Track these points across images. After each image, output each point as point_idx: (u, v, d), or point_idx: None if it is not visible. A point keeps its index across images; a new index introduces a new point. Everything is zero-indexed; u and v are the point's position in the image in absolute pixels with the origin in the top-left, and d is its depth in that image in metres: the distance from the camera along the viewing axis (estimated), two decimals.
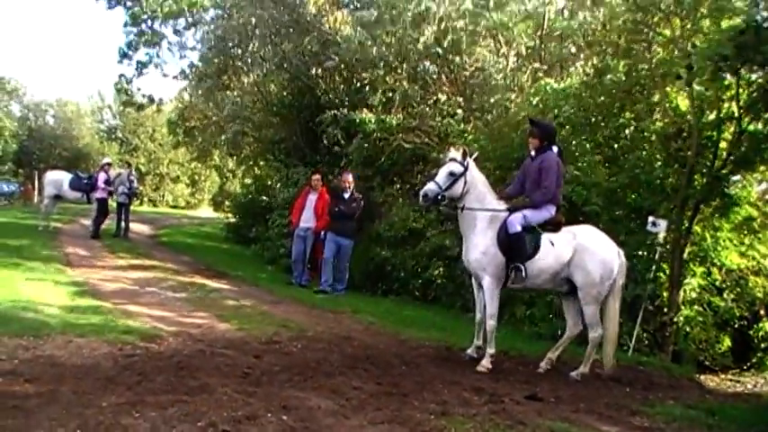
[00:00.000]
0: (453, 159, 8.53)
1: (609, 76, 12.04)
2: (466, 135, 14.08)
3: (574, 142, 12.31)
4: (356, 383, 6.83)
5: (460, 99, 15.72)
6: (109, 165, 21.37)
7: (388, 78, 16.19)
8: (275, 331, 9.12)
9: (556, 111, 12.52)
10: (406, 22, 15.08)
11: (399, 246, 14.49)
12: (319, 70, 18.52)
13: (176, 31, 24.52)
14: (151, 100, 27.36)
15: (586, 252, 8.50)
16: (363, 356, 8.23)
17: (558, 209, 8.84)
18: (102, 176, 20.26)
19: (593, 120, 12.53)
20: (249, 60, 20.87)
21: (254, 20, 18.35)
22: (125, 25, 24.60)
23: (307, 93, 19.22)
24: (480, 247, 8.45)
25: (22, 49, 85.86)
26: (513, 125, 13.30)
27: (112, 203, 21.58)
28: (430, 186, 8.45)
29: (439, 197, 8.42)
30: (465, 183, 8.44)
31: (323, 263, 14.10)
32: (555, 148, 8.77)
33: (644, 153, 12.00)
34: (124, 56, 25.18)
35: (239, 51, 21.03)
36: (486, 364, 8.29)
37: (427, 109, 15.38)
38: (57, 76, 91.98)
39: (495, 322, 8.52)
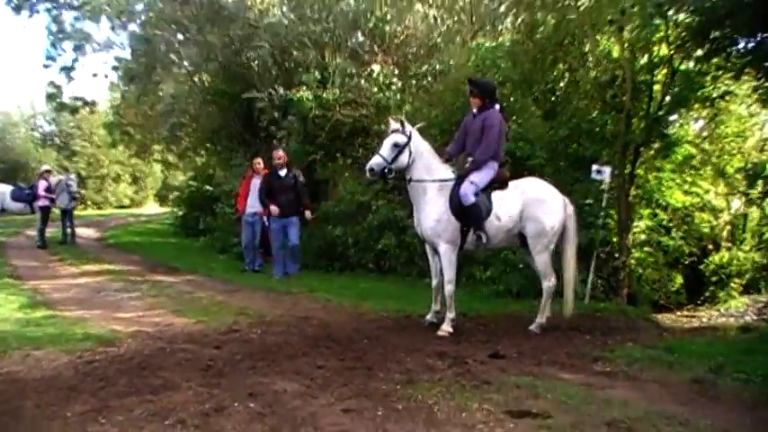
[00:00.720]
0: (396, 131, 8.50)
1: (540, 29, 12.07)
2: (404, 104, 14.05)
3: (513, 99, 12.35)
4: (319, 362, 6.82)
5: (395, 68, 15.69)
6: (48, 172, 21.06)
7: (320, 56, 16.12)
8: (234, 320, 9.06)
9: (494, 69, 12.55)
10: None
11: (349, 221, 14.42)
12: (250, 55, 18.33)
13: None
14: (85, 103, 26.92)
15: (535, 204, 8.62)
16: (324, 335, 8.21)
17: (502, 165, 8.90)
18: (42, 184, 19.95)
19: (530, 75, 12.56)
20: (178, 53, 20.60)
21: (179, 13, 18.11)
22: (49, 32, 24.11)
23: (239, 79, 19.06)
24: (433, 215, 8.47)
25: None
26: (453, 88, 13.32)
27: (56, 210, 21.28)
28: (376, 160, 8.38)
29: (386, 170, 8.39)
30: (410, 153, 8.42)
31: (273, 253, 13.88)
32: (497, 106, 8.80)
33: (581, 103, 12.09)
34: (50, 58, 24.68)
35: (164, 47, 20.76)
36: (446, 328, 8.37)
37: (362, 81, 15.32)
38: None
39: (453, 287, 8.56)
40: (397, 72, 15.46)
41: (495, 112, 8.66)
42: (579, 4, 11.81)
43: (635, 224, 11.88)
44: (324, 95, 15.11)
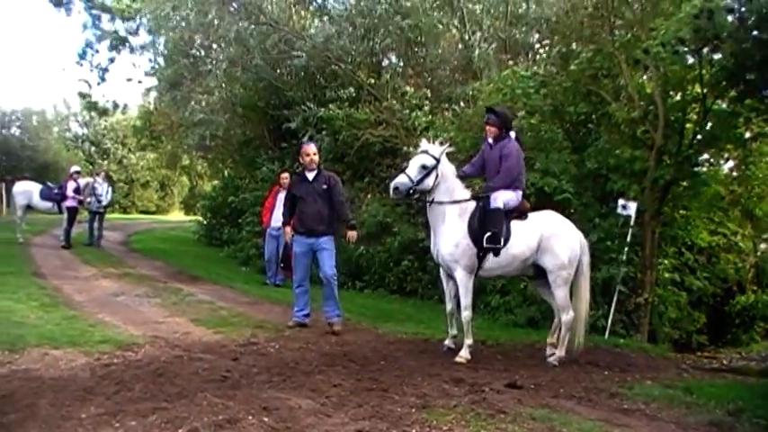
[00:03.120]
0: (425, 152, 8.46)
1: (576, 62, 12.05)
2: (434, 126, 14.05)
3: (542, 129, 12.33)
4: (335, 381, 6.82)
5: (427, 91, 15.72)
6: (78, 173, 21.24)
7: (354, 73, 16.18)
8: (252, 333, 9.09)
9: (525, 98, 12.54)
10: (376, 14, 15.06)
11: (372, 241, 14.42)
12: (284, 69, 18.42)
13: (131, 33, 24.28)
14: (115, 105, 27.14)
15: (553, 237, 8.59)
16: (341, 353, 8.23)
17: (525, 196, 8.91)
18: (71, 185, 20.13)
19: (561, 107, 12.54)
20: (213, 62, 20.73)
21: (216, 21, 18.21)
22: (85, 27, 24.35)
23: (273, 92, 19.15)
24: (452, 239, 8.41)
25: None
26: (482, 114, 13.30)
27: (84, 212, 21.46)
28: (401, 179, 8.34)
29: (410, 191, 8.36)
30: (437, 176, 8.39)
31: (295, 287, 10.27)
32: (513, 134, 8.83)
33: (611, 137, 12.04)
34: (83, 57, 24.89)
35: (202, 53, 20.92)
36: (464, 354, 8.31)
37: (394, 102, 15.36)
38: (22, 87, 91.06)
39: (470, 313, 8.52)
40: (429, 94, 15.51)
41: (512, 142, 8.71)
42: (616, 38, 11.80)
43: (659, 262, 11.80)
44: (355, 114, 15.14)
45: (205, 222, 26.66)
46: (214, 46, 20.12)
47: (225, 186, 25.61)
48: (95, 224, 21.35)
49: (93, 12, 23.77)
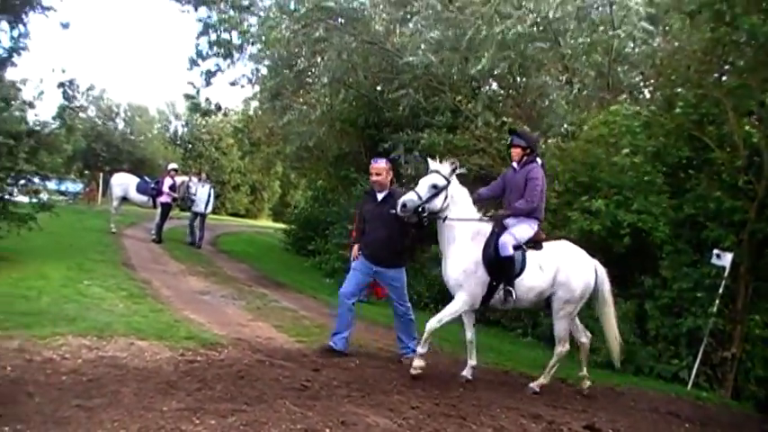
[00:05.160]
0: (436, 171, 8.23)
1: (680, 104, 11.84)
2: None
3: (643, 170, 12.12)
4: (414, 402, 6.84)
5: (526, 121, 15.61)
6: (175, 171, 21.76)
7: (453, 100, 16.19)
8: None
9: (629, 137, 12.38)
10: (477, 43, 15.05)
11: None
12: (385, 88, 18.51)
13: (245, 43, 24.66)
14: (218, 108, 27.60)
15: (569, 270, 8.47)
16: (421, 376, 8.19)
17: (541, 225, 8.71)
18: (167, 182, 20.65)
19: (663, 149, 12.34)
20: (316, 74, 20.93)
21: (320, 32, 18.34)
22: (198, 36, 24.86)
23: (372, 110, 19.29)
24: (461, 264, 8.21)
25: (102, 53, 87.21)
26: (583, 149, 13.19)
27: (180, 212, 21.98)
28: (410, 196, 8.06)
29: (419, 209, 8.04)
30: (446, 197, 8.15)
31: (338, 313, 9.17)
32: (539, 160, 8.65)
33: (712, 184, 11.80)
34: (194, 63, 25.43)
35: (306, 64, 21.14)
36: (417, 363, 8.19)
37: (491, 130, 15.31)
38: (130, 81, 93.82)
39: (438, 325, 8.24)
40: (527, 126, 15.40)
41: (539, 167, 8.51)
42: (724, 84, 11.59)
43: (751, 317, 11.47)
44: (454, 140, 15.13)
45: (292, 231, 26.88)
46: (318, 59, 20.30)
47: (316, 197, 25.84)
48: (196, 224, 21.76)
49: (209, 20, 24.26)
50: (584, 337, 8.94)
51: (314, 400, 6.47)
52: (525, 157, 8.54)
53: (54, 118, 15.19)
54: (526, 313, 12.67)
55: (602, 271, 8.84)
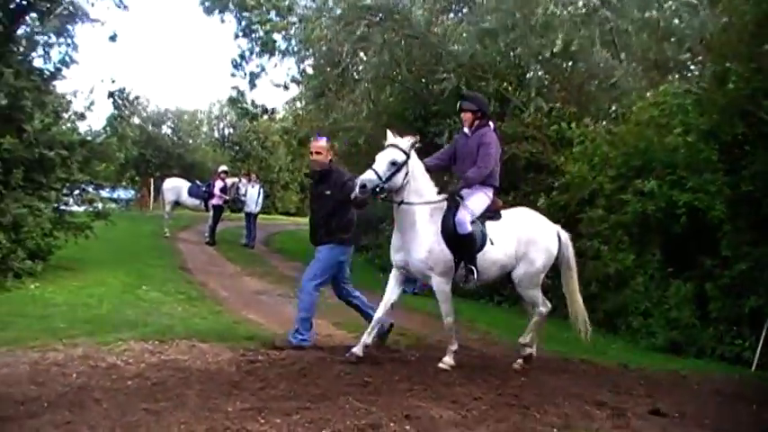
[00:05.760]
0: (394, 146, 7.65)
1: (733, 80, 11.61)
2: (586, 141, 13.75)
3: (697, 148, 11.93)
4: (476, 394, 6.79)
5: (574, 105, 15.48)
6: (225, 173, 21.97)
7: (499, 87, 16.08)
8: (393, 340, 9.14)
9: (680, 116, 12.20)
10: (528, 28, 14.93)
11: None
12: (430, 81, 18.44)
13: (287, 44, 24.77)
14: (264, 110, 27.75)
15: (530, 242, 8.18)
16: (481, 366, 8.19)
17: (497, 192, 8.34)
18: (218, 184, 20.85)
19: (717, 126, 12.12)
20: (360, 70, 20.94)
21: (361, 30, 18.31)
22: (236, 37, 25.05)
23: (418, 102, 19.22)
24: (425, 245, 7.76)
25: (145, 60, 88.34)
26: (634, 132, 13.02)
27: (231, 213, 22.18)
28: (368, 176, 7.41)
29: (377, 188, 7.44)
30: (406, 173, 7.62)
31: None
32: (492, 124, 8.22)
33: None
34: (236, 67, 25.63)
35: (349, 60, 21.16)
36: (448, 360, 7.97)
37: (539, 116, 15.18)
38: (176, 87, 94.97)
39: (453, 318, 8.12)
40: (576, 109, 15.25)
41: (492, 131, 8.09)
42: None
43: None
44: (502, 128, 15.02)
45: None
46: (361, 54, 20.31)
47: None
48: (251, 225, 21.96)
49: (244, 22, 24.43)
50: (544, 307, 8.58)
51: (376, 394, 6.47)
52: (477, 122, 8.10)
53: (105, 127, 15.43)
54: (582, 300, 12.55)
55: (566, 236, 8.63)
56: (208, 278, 13.79)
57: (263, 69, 25.19)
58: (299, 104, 29.20)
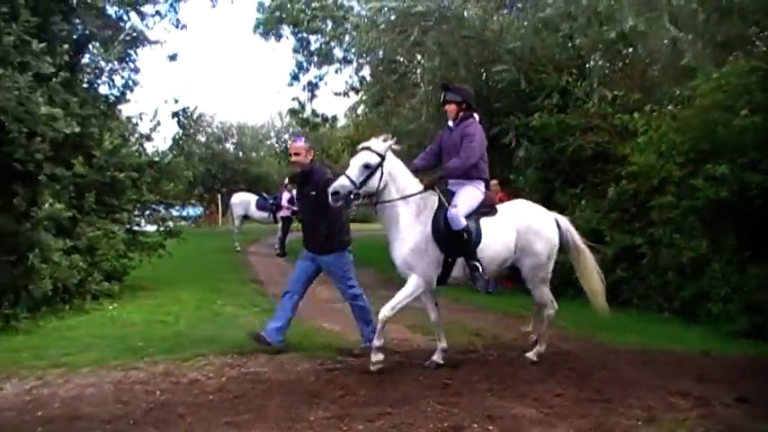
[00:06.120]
0: (367, 148, 7.51)
1: None
2: (651, 129, 13.52)
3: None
4: (557, 390, 6.82)
5: (638, 92, 15.23)
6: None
7: (560, 78, 15.90)
8: (470, 340, 9.17)
9: (746, 96, 11.93)
10: (593, 13, 14.76)
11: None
12: (490, 79, 18.33)
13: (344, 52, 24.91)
14: (324, 119, 27.92)
15: (531, 233, 8.00)
16: (561, 362, 8.15)
17: (488, 186, 8.20)
18: (285, 195, 21.03)
19: None
20: (418, 73, 20.92)
21: (415, 35, 18.27)
22: (295, 51, 25.29)
23: (479, 100, 19.11)
24: (408, 243, 7.58)
25: (205, 77, 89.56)
26: (700, 116, 12.77)
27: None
28: (341, 182, 7.27)
29: (352, 195, 7.30)
30: (382, 175, 7.42)
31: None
32: (476, 116, 8.03)
33: None
34: (295, 78, 25.87)
35: (406, 63, 21.16)
36: (436, 358, 7.93)
37: (606, 106, 14.97)
38: (237, 101, 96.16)
39: (390, 314, 7.77)
40: (639, 96, 15.01)
41: (476, 122, 7.91)
42: None
43: None
44: (566, 119, 14.88)
45: None
46: (418, 57, 20.30)
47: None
48: None
49: (300, 36, 24.70)
50: (552, 309, 8.43)
51: (457, 396, 6.50)
52: (461, 114, 7.94)
53: (171, 147, 15.71)
54: (657, 290, 12.36)
55: (565, 221, 8.51)
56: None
57: (321, 79, 25.43)
58: (359, 111, 29.34)
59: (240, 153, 57.60)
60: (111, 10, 14.57)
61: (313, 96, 26.27)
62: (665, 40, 14.96)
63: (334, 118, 29.52)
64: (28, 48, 10.67)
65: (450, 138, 7.95)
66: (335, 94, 26.29)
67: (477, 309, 12.38)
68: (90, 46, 14.18)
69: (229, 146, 58.60)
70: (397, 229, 7.62)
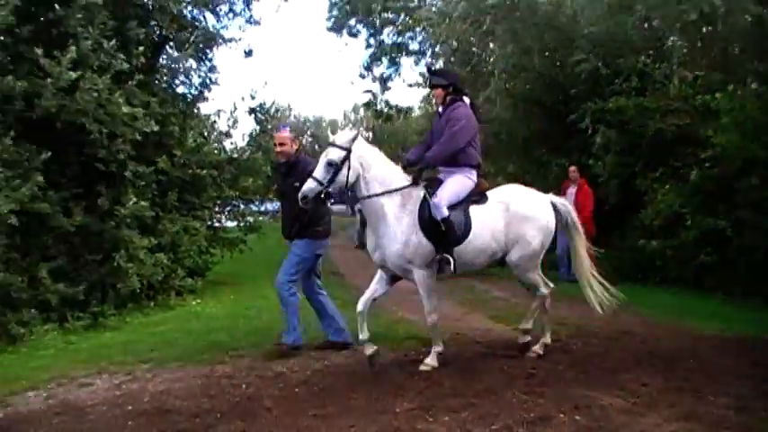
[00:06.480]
0: (331, 144, 7.34)
1: None
2: (733, 109, 13.17)
3: None
4: (644, 380, 6.72)
5: (719, 71, 14.86)
6: None
7: (637, 61, 15.61)
8: (553, 329, 9.03)
9: None
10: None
11: (667, 233, 13.70)
12: (566, 66, 18.11)
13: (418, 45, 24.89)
14: (398, 110, 27.93)
15: (522, 221, 7.63)
16: (645, 351, 8.05)
17: (480, 174, 7.80)
18: None
19: None
20: (491, 62, 20.77)
21: (487, 25, 18.14)
22: (367, 46, 25.39)
23: (554, 88, 18.88)
24: (400, 236, 7.25)
25: (280, 71, 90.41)
26: None
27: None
28: (309, 185, 7.10)
29: (322, 195, 7.15)
30: (349, 168, 7.15)
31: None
32: (467, 99, 7.69)
33: None
34: (368, 69, 25.95)
35: (480, 53, 21.05)
36: (430, 361, 7.45)
37: (683, 86, 14.66)
38: (313, 95, 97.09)
39: (437, 316, 7.66)
40: (721, 76, 14.64)
41: (464, 106, 7.54)
42: None
43: None
44: (645, 102, 14.60)
45: None
46: (491, 46, 20.18)
47: (509, 182, 25.62)
48: None
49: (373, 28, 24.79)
50: (546, 288, 8.19)
51: (542, 386, 6.47)
52: (449, 98, 7.64)
53: (249, 143, 15.90)
54: (744, 275, 12.06)
55: (561, 202, 8.25)
56: (361, 282, 13.90)
57: (396, 70, 25.45)
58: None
59: (316, 146, 58.00)
60: (186, 11, 14.77)
61: (385, 88, 26.33)
62: (748, 17, 14.56)
63: (409, 109, 29.49)
64: (104, 49, 10.91)
65: (438, 123, 7.71)
66: (409, 85, 26.35)
67: (560, 297, 12.18)
68: (167, 47, 14.43)
69: (306, 139, 59.05)
70: (385, 224, 7.36)
